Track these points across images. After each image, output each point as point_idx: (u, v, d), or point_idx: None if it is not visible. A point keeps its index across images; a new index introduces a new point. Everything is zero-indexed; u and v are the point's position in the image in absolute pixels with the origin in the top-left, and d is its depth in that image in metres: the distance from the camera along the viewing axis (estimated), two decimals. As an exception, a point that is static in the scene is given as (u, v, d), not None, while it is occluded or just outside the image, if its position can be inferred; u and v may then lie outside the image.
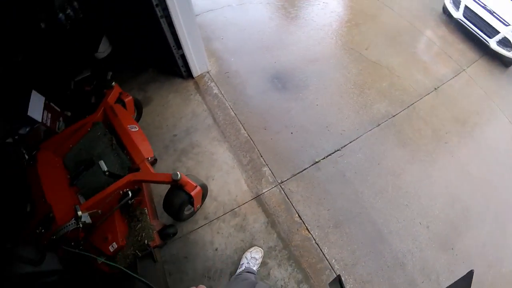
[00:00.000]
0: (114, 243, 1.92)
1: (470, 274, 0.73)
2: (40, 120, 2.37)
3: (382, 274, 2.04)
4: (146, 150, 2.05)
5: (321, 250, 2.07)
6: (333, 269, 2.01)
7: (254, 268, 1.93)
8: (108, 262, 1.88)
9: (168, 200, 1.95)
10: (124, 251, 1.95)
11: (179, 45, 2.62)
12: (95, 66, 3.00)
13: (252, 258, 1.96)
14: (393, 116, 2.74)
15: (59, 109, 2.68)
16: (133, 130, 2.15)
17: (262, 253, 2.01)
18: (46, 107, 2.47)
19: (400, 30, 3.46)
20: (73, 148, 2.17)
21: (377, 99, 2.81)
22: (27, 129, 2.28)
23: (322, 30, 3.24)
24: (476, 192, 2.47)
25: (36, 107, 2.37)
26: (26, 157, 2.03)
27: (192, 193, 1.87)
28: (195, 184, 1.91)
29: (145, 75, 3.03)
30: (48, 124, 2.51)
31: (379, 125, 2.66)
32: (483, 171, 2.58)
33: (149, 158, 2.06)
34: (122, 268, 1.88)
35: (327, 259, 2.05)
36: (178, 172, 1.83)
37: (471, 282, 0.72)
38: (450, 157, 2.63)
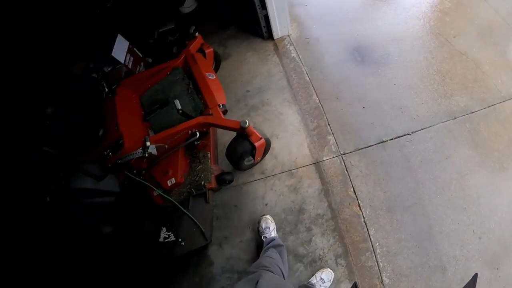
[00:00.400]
0: (173, 178, 1.55)
1: (474, 278, 0.58)
2: (122, 61, 2.03)
3: (421, 272, 1.46)
4: (220, 97, 1.57)
5: (368, 230, 1.54)
6: (374, 253, 1.49)
7: (273, 235, 1.48)
8: (164, 194, 1.54)
9: (231, 147, 1.51)
10: (180, 188, 1.57)
11: (263, 5, 1.97)
12: (180, 20, 2.49)
13: (266, 228, 1.50)
14: (472, 112, 1.90)
15: (141, 55, 2.29)
16: (210, 77, 1.66)
17: (272, 220, 1.56)
18: (130, 51, 2.12)
19: (492, 25, 2.36)
20: (151, 88, 1.78)
21: (458, 91, 1.96)
22: (110, 68, 1.94)
23: (410, 10, 2.30)
24: None
25: (120, 49, 2.04)
26: (106, 89, 1.69)
27: (256, 144, 1.42)
28: (260, 136, 1.44)
29: (226, 31, 2.43)
30: (130, 66, 2.13)
31: (455, 118, 1.87)
32: None
33: (221, 106, 1.60)
34: (175, 202, 1.52)
35: (371, 241, 1.51)
36: (246, 121, 1.35)
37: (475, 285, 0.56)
38: None
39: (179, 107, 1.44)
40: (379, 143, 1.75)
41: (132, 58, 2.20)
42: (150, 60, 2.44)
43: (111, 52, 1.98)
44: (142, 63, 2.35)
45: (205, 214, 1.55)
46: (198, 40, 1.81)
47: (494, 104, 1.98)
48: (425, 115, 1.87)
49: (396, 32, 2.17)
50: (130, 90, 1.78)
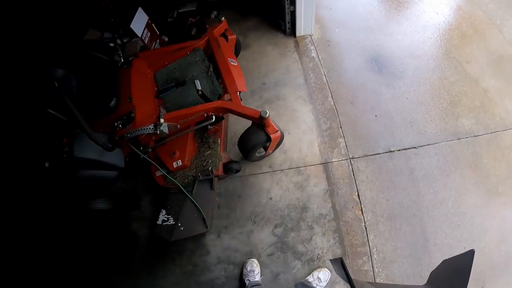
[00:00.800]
0: (180, 160, 1.52)
1: (471, 253, 0.52)
2: (139, 35, 2.00)
3: (413, 281, 1.51)
4: (240, 84, 1.54)
5: (367, 235, 1.57)
6: (371, 257, 1.52)
7: (257, 279, 1.42)
8: (168, 176, 1.51)
9: (246, 136, 1.48)
10: (185, 171, 1.55)
11: (293, 1, 1.97)
12: (202, 3, 2.45)
13: (250, 271, 1.43)
14: (475, 136, 1.98)
15: (158, 32, 2.26)
16: (232, 63, 1.64)
17: (258, 264, 1.48)
18: (148, 26, 2.10)
19: (504, 57, 2.46)
20: (168, 66, 1.73)
21: (464, 114, 2.04)
22: (126, 40, 1.89)
23: (429, 30, 2.36)
24: None
25: (139, 23, 2.02)
26: (122, 60, 1.63)
27: (272, 136, 1.40)
28: (276, 129, 1.42)
29: (248, 22, 2.41)
30: (146, 41, 2.10)
31: (459, 139, 1.94)
32: None
33: (239, 93, 1.58)
34: (179, 185, 1.50)
35: (369, 246, 1.54)
36: (267, 111, 1.33)
37: (472, 260, 0.51)
38: None
39: (199, 87, 1.41)
40: (386, 152, 1.79)
41: (149, 34, 2.15)
42: (166, 39, 2.39)
43: (129, 24, 1.93)
44: (158, 40, 2.30)
45: (208, 201, 1.53)
46: (223, 25, 1.78)
47: (497, 131, 2.07)
48: (432, 131, 1.92)
49: (414, 48, 2.23)
50: (146, 64, 1.73)
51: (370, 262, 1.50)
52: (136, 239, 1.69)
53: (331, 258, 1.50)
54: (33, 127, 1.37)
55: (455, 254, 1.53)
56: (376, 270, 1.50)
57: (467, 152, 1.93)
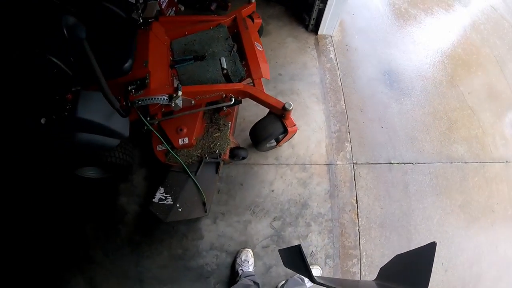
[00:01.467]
0: (187, 138, 1.46)
1: (433, 245, 0.51)
2: None
3: None
4: (265, 70, 1.49)
5: (359, 239, 1.62)
6: (360, 261, 1.58)
7: (251, 270, 1.42)
8: (172, 152, 1.44)
9: (262, 125, 1.43)
10: (190, 150, 1.48)
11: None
12: None
13: (245, 261, 1.43)
14: (465, 162, 2.13)
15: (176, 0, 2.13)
16: (258, 48, 1.59)
17: (252, 255, 1.48)
18: None
19: (501, 94, 2.65)
20: (187, 36, 1.64)
21: (459, 140, 2.18)
22: (142, 1, 1.79)
23: (441, 56, 2.48)
24: (495, 266, 1.95)
25: None
26: (140, 20, 1.51)
27: (289, 129, 1.38)
28: (294, 123, 1.40)
29: (271, 9, 2.36)
30: (163, 6, 1.99)
31: (451, 162, 2.07)
32: (509, 255, 2.04)
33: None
34: (183, 164, 1.43)
35: (360, 249, 1.60)
36: (291, 103, 1.31)
37: (434, 253, 0.50)
38: (489, 225, 2.05)
39: (225, 66, 1.34)
40: (387, 163, 1.86)
41: (167, -1, 2.02)
42: (182, 8, 2.26)
43: (147, -18, 1.80)
44: (174, 8, 2.17)
45: (210, 185, 1.47)
46: (252, 6, 1.72)
47: (485, 162, 2.24)
48: (429, 151, 2.03)
49: (424, 70, 2.33)
50: (164, 30, 1.62)
51: (359, 265, 1.56)
52: (123, 215, 1.59)
53: (323, 257, 1.52)
54: (31, 76, 1.21)
55: (433, 269, 1.65)
56: (363, 273, 1.56)
57: (457, 176, 2.06)
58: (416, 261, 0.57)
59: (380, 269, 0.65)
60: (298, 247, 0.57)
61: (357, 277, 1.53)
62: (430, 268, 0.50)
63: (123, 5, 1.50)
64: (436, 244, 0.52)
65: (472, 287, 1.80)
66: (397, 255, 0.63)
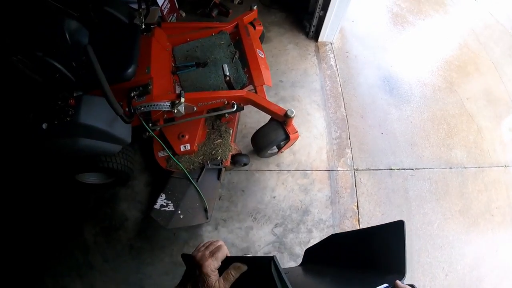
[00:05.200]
0: (188, 144, 1.51)
1: (401, 223, 0.52)
2: (160, 4, 1.97)
3: None
4: (267, 77, 1.56)
5: (361, 244, 1.68)
6: None
7: None
8: (174, 158, 1.49)
9: (264, 132, 1.49)
10: (191, 157, 1.54)
11: (325, 7, 2.04)
12: None
13: None
14: (464, 168, 2.21)
15: (177, 6, 2.24)
16: (260, 55, 1.66)
17: None
18: None
19: (500, 99, 2.75)
20: (189, 43, 1.71)
21: (458, 146, 2.26)
22: (144, 7, 1.87)
23: (440, 63, 2.57)
24: (495, 270, 2.01)
25: None
26: (143, 26, 1.58)
27: (291, 136, 1.44)
28: (296, 129, 1.47)
29: (272, 16, 2.45)
30: (164, 12, 2.08)
31: (451, 168, 2.14)
32: (509, 259, 2.11)
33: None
34: (185, 170, 1.48)
35: (361, 255, 1.66)
36: (293, 110, 1.37)
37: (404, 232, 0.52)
38: (489, 230, 2.12)
39: (228, 73, 1.40)
40: (387, 169, 1.92)
41: (169, 5, 2.10)
42: (183, 14, 2.34)
43: (150, -11, 1.87)
44: (175, 14, 2.25)
45: (212, 191, 1.51)
46: (254, 13, 1.80)
47: (484, 167, 2.32)
48: (428, 157, 2.10)
49: (424, 77, 2.42)
50: (165, 36, 1.69)
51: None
52: (123, 221, 1.63)
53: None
54: (32, 80, 1.25)
55: (434, 273, 1.69)
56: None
57: (456, 181, 2.13)
58: (388, 241, 0.56)
59: (305, 250, 0.67)
60: (272, 258, 0.43)
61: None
62: (403, 247, 0.52)
63: (126, 10, 1.57)
64: (403, 222, 0.53)
65: (472, 292, 1.86)
66: (332, 234, 0.66)
